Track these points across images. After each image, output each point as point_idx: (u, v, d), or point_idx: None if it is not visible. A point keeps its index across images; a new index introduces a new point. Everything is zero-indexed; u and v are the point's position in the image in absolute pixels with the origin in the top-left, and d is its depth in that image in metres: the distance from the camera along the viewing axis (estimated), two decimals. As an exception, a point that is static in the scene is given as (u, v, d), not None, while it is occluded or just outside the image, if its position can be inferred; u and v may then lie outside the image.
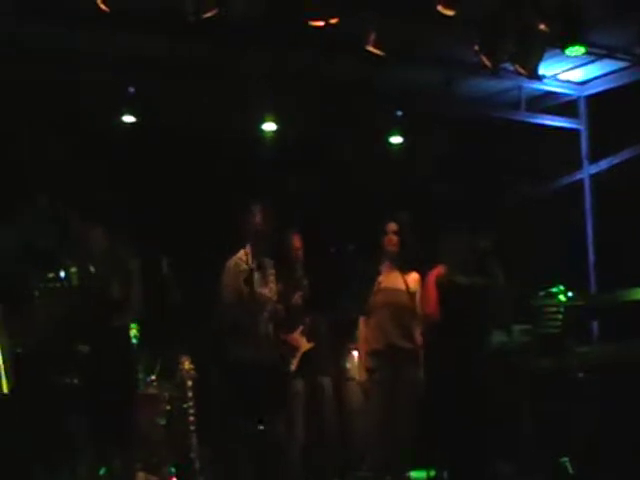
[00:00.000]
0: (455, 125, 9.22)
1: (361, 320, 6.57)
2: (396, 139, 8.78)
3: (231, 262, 6.39)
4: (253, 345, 6.21)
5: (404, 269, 6.60)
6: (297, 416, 6.78)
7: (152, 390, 6.94)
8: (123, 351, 5.91)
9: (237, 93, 7.97)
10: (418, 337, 6.56)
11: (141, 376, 6.74)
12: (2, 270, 6.43)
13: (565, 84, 9.31)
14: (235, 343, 6.28)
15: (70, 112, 7.75)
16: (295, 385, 6.83)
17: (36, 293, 6.48)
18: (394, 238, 6.60)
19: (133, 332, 6.14)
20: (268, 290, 6.37)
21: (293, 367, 6.82)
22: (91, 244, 6.02)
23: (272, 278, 6.38)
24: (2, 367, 5.54)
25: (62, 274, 7.01)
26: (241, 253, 6.39)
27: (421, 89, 8.59)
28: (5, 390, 5.47)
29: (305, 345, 6.88)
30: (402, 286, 6.54)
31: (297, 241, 7.00)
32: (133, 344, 6.05)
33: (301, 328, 6.88)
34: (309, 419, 6.79)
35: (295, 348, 6.84)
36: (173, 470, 6.79)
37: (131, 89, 7.62)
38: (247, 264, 6.29)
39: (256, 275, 6.30)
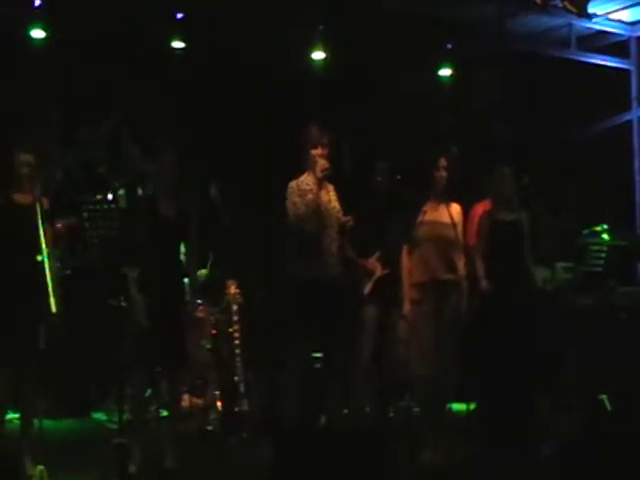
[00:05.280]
0: (505, 62, 9.12)
1: (404, 250, 6.56)
2: (445, 72, 8.71)
3: (295, 182, 6.31)
4: (320, 262, 6.14)
5: (447, 201, 6.59)
6: (365, 341, 6.80)
7: (199, 313, 6.99)
8: (177, 271, 5.89)
9: (287, 20, 7.92)
10: (462, 268, 6.56)
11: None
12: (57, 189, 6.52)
13: (616, 24, 9.18)
14: (302, 260, 6.23)
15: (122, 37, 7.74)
16: (367, 310, 6.83)
17: (85, 215, 6.56)
18: (444, 174, 6.57)
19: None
20: (332, 208, 6.33)
21: (367, 291, 6.81)
22: (139, 165, 6.01)
23: (335, 199, 6.34)
24: (51, 287, 5.58)
25: (109, 196, 7.10)
26: (303, 176, 6.33)
27: (473, 24, 8.50)
28: (54, 310, 5.52)
29: (380, 270, 6.85)
30: (447, 219, 6.51)
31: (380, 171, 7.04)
32: (182, 264, 5.97)
33: (377, 254, 6.87)
34: (375, 346, 6.77)
35: (370, 272, 6.84)
36: (217, 393, 6.90)
37: (179, 14, 7.58)
38: (309, 186, 6.23)
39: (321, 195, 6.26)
